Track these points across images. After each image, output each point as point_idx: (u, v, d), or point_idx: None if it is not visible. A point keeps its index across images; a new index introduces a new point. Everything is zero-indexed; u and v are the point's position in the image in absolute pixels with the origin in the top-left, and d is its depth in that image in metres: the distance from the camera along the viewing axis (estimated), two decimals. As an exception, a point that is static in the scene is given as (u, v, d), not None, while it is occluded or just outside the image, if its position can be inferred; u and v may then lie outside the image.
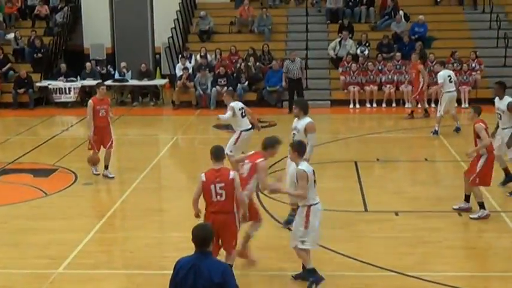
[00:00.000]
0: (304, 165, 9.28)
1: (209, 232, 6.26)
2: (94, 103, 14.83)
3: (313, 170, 9.32)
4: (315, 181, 9.32)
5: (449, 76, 19.10)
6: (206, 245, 6.20)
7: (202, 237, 6.21)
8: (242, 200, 9.14)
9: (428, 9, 27.67)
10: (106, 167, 15.12)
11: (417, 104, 21.75)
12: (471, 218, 11.94)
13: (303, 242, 9.31)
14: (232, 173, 9.03)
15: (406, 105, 23.10)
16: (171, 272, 6.23)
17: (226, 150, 13.84)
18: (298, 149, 9.41)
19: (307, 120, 11.61)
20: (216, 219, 8.77)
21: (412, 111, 21.53)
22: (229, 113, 14.11)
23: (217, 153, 9.20)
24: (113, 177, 15.01)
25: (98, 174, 15.02)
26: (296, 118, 11.83)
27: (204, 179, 8.96)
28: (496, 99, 13.63)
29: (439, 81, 19.04)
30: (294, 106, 12.21)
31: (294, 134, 11.66)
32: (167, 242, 11.40)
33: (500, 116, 13.38)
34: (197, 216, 9.14)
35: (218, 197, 8.88)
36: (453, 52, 24.39)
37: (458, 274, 9.91)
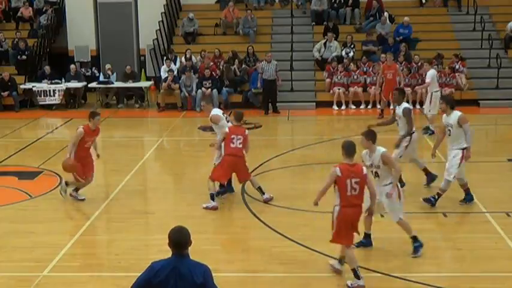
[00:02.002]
0: (382, 148, 10.27)
1: (186, 235, 6.27)
2: (85, 133, 12.88)
3: None
4: None
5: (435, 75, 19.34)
6: (184, 247, 6.22)
7: (180, 240, 6.23)
8: (375, 194, 9.68)
9: (413, 10, 27.78)
10: (77, 190, 13.69)
11: (389, 104, 21.73)
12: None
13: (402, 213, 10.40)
14: (365, 169, 9.43)
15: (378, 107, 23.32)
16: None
17: (215, 161, 13.62)
18: (372, 137, 10.24)
19: (457, 113, 12.26)
20: (351, 213, 9.35)
21: (382, 111, 21.68)
22: (223, 122, 13.40)
23: (350, 149, 9.47)
24: (83, 199, 13.76)
25: (83, 199, 13.67)
26: (444, 114, 12.49)
27: (339, 173, 9.25)
28: (397, 107, 13.57)
29: (428, 80, 19.02)
30: (440, 101, 12.81)
31: (449, 130, 12.38)
32: (152, 244, 11.36)
33: (397, 123, 13.50)
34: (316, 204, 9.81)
35: (353, 191, 9.23)
36: (438, 54, 24.46)
37: (444, 275, 9.94)
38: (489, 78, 24.43)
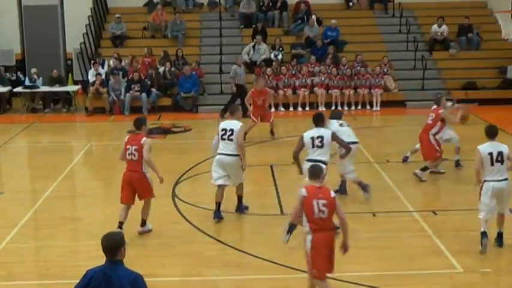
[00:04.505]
0: None
1: (117, 241, 6.24)
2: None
3: None
4: None
5: None
6: (116, 254, 6.18)
7: (111, 246, 6.20)
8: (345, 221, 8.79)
9: (340, 13, 28.07)
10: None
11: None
12: None
13: None
14: (333, 192, 8.70)
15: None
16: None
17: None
18: None
19: None
20: (327, 237, 8.60)
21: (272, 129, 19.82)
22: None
23: (317, 173, 8.75)
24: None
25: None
26: None
27: (305, 193, 8.54)
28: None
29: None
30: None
31: None
32: (82, 250, 11.21)
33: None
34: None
35: (321, 214, 8.53)
36: (356, 55, 24.88)
37: (374, 273, 10.07)
38: (415, 80, 24.91)
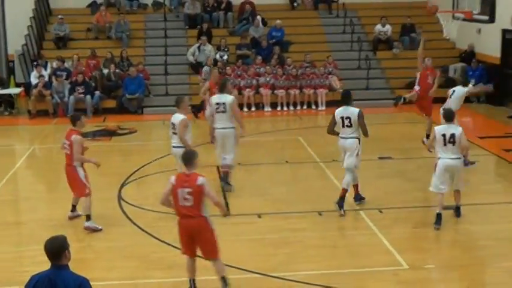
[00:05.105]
0: None
1: (60, 244, 6.11)
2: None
3: None
4: None
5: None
6: (60, 257, 6.07)
7: (54, 250, 6.08)
8: (218, 202, 9.23)
9: (284, 13, 28.18)
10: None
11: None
12: None
13: None
14: (201, 179, 8.84)
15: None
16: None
17: None
18: None
19: None
20: (187, 224, 8.91)
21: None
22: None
23: (188, 159, 9.02)
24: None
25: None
26: None
27: (173, 182, 8.87)
28: None
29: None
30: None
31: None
32: (26, 255, 11.03)
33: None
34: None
35: (185, 202, 8.80)
36: (305, 55, 25.03)
37: (321, 272, 10.14)
38: (359, 79, 25.15)
